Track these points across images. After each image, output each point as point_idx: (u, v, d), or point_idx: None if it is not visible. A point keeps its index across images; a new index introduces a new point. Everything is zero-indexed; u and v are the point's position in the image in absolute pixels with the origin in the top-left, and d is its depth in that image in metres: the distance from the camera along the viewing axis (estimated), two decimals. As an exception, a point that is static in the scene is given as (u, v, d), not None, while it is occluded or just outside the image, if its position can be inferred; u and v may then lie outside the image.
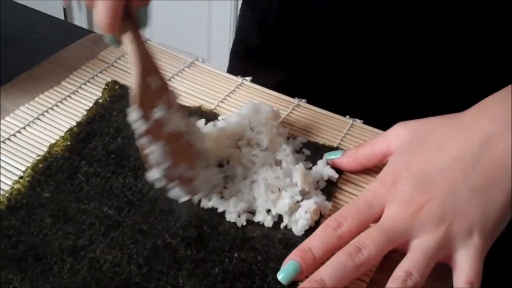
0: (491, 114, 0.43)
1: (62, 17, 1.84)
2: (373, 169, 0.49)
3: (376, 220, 0.42)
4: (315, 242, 0.41)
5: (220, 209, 0.45)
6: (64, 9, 1.84)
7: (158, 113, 0.43)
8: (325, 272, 0.39)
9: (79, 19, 1.87)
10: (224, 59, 0.78)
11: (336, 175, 0.48)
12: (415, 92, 0.59)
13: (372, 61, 0.59)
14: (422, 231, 0.40)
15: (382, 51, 0.57)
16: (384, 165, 0.46)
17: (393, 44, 0.56)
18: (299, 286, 0.40)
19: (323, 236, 0.41)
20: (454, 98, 0.57)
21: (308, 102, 0.56)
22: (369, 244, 0.39)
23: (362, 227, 0.41)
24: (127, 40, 0.42)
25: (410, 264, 0.39)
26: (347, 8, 0.57)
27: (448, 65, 0.56)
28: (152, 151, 0.43)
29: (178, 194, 0.45)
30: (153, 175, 0.44)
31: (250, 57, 0.71)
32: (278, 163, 0.48)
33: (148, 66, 0.43)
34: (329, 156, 0.49)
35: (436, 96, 0.58)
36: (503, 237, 0.42)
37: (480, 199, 0.40)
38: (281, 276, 0.41)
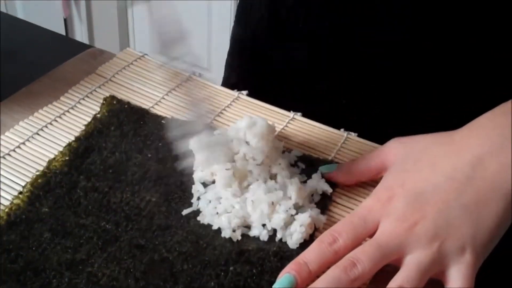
0: (483, 133, 0.44)
1: (63, 27, 1.85)
2: (367, 183, 0.50)
3: (371, 235, 0.42)
4: (310, 256, 0.41)
5: (214, 227, 0.46)
6: (65, 20, 1.85)
7: None
8: (320, 285, 0.40)
9: (80, 30, 1.88)
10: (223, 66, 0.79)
11: (330, 190, 0.49)
12: (415, 92, 0.59)
13: (372, 61, 0.59)
14: (416, 247, 0.40)
15: (382, 51, 0.58)
16: (378, 179, 0.47)
17: (393, 44, 0.57)
18: (293, 300, 0.41)
19: (319, 250, 0.41)
20: (454, 98, 0.58)
21: (307, 107, 0.57)
22: (363, 259, 0.40)
23: (357, 242, 0.42)
24: None
25: (404, 278, 0.40)
26: (347, 8, 0.58)
27: (448, 65, 0.57)
28: None
29: None
30: None
31: (245, 65, 0.72)
32: (273, 176, 0.49)
33: None
34: (324, 169, 0.50)
35: (436, 96, 0.59)
36: (495, 252, 0.42)
37: (473, 217, 0.41)
38: (276, 289, 0.41)
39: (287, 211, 0.45)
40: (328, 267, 0.41)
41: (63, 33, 1.84)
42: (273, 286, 0.41)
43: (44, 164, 0.50)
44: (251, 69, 0.71)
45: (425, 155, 0.45)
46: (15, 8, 1.88)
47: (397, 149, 0.46)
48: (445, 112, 0.48)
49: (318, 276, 0.41)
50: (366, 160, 0.48)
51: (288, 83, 0.66)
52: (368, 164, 0.48)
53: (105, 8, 1.82)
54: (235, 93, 0.59)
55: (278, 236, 0.45)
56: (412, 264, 0.40)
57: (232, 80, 0.74)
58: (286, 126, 0.56)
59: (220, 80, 0.75)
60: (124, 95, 0.57)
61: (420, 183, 0.43)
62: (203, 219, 0.46)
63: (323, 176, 0.50)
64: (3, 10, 1.75)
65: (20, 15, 1.86)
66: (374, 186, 0.49)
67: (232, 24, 0.74)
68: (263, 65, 0.69)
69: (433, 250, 0.40)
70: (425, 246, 0.40)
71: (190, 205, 0.47)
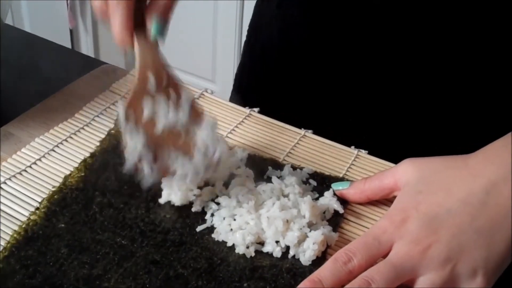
0: (497, 159, 0.44)
1: (69, 38, 1.86)
2: (379, 201, 0.51)
3: (384, 256, 0.43)
4: (325, 274, 0.42)
5: (229, 243, 0.47)
6: (71, 30, 1.86)
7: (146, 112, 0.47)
8: (334, 303, 0.41)
9: (85, 41, 1.89)
10: (229, 81, 0.80)
11: (342, 210, 0.49)
12: (415, 92, 0.61)
13: (371, 71, 0.61)
14: (429, 269, 0.41)
15: (382, 60, 0.59)
16: (390, 199, 0.48)
17: (392, 51, 0.58)
18: (308, 317, 0.41)
19: (333, 269, 0.42)
20: (453, 98, 0.59)
21: (317, 123, 0.57)
22: (378, 278, 0.41)
23: (370, 263, 0.42)
24: (136, 49, 0.47)
25: None
26: (352, 22, 0.60)
27: (448, 67, 0.58)
28: (132, 142, 0.47)
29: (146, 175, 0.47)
30: (129, 163, 0.47)
31: (254, 82, 0.73)
32: (286, 194, 0.50)
33: (155, 70, 0.48)
34: (336, 186, 0.51)
35: (435, 95, 0.60)
36: (505, 275, 0.43)
37: (485, 242, 0.42)
38: (290, 306, 0.42)
39: (301, 229, 0.46)
40: (342, 286, 0.41)
41: (69, 44, 1.85)
42: (287, 303, 0.42)
43: (60, 180, 0.51)
44: (261, 84, 0.72)
45: (439, 178, 0.45)
46: (22, 18, 1.90)
47: (411, 170, 0.47)
48: (445, 115, 0.49)
49: (332, 294, 0.42)
50: (379, 179, 0.49)
51: (298, 100, 0.67)
52: (381, 183, 0.49)
53: (111, 19, 1.84)
54: (246, 110, 0.60)
55: (291, 253, 0.46)
56: (424, 286, 0.41)
57: (241, 94, 0.75)
58: (297, 143, 0.56)
59: (224, 92, 0.76)
60: (137, 111, 0.58)
61: (435, 206, 0.44)
62: (218, 236, 0.47)
63: (335, 194, 0.50)
64: (10, 21, 1.77)
65: (27, 25, 1.88)
66: (386, 205, 0.50)
67: (237, 36, 0.75)
68: (273, 81, 0.70)
69: (445, 273, 0.41)
70: (438, 268, 0.41)
71: (204, 221, 0.48)
